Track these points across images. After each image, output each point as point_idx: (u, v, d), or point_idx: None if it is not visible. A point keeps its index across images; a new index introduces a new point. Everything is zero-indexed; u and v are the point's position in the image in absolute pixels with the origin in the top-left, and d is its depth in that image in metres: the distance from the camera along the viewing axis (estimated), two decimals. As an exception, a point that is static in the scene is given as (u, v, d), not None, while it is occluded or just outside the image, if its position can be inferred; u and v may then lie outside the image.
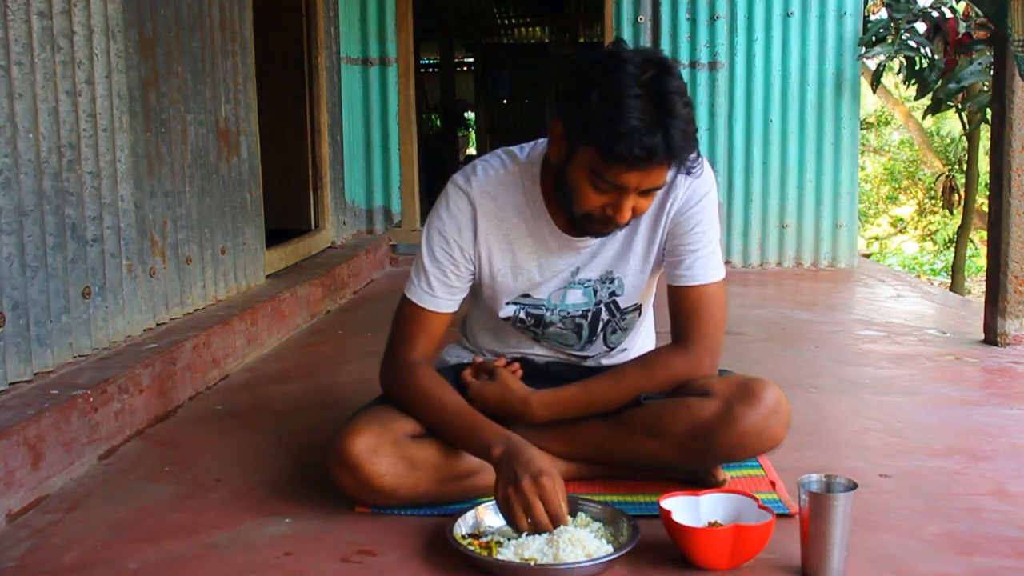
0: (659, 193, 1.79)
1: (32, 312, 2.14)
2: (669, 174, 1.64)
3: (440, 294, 1.82)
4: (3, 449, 1.77)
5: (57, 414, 1.96)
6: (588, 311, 1.88)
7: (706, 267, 1.80)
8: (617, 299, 1.88)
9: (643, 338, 2.05)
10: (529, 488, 1.54)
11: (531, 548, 1.53)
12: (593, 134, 1.57)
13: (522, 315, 1.88)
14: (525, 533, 1.58)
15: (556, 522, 1.54)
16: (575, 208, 1.69)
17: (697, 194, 1.80)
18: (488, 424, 1.69)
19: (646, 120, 1.53)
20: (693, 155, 1.64)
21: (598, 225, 1.70)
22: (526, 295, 1.86)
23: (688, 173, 1.70)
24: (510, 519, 1.57)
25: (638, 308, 1.92)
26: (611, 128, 1.54)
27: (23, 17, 2.11)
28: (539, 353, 1.97)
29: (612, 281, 1.86)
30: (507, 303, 1.87)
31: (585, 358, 1.97)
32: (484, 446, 1.64)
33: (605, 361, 1.97)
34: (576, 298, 1.87)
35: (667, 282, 1.84)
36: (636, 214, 1.69)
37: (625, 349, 1.99)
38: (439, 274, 1.82)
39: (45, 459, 1.90)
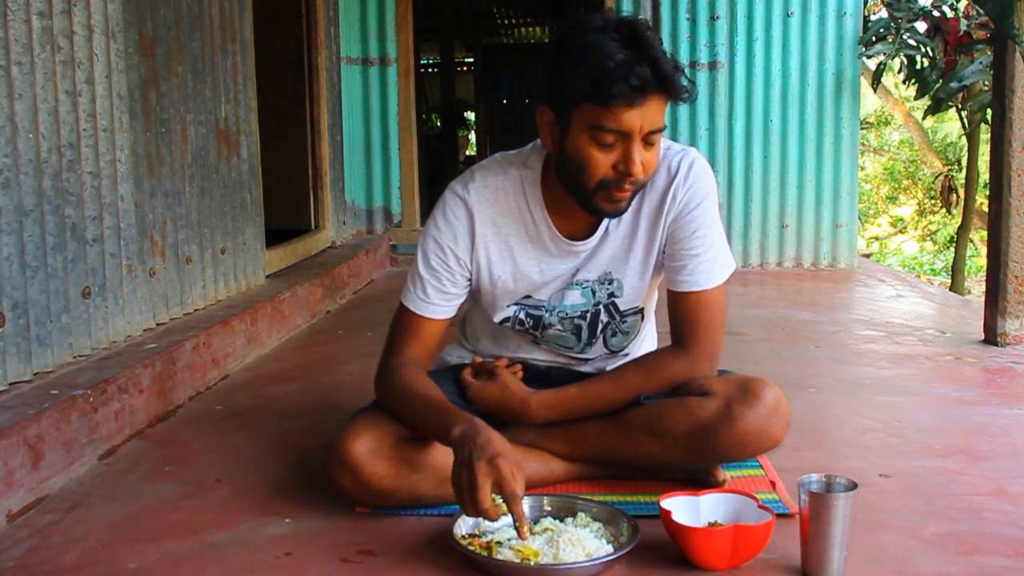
0: (658, 194, 1.79)
1: (32, 312, 2.14)
2: (664, 114, 1.64)
3: (436, 301, 1.82)
4: (3, 449, 1.77)
5: (57, 414, 1.96)
6: (587, 312, 1.88)
7: (708, 272, 1.78)
8: (616, 300, 1.87)
9: (646, 342, 2.04)
10: (483, 471, 1.48)
11: (531, 548, 1.52)
12: (583, 88, 1.59)
13: (522, 316, 1.88)
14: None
15: (508, 501, 1.48)
16: (587, 180, 1.66)
17: (696, 197, 1.78)
18: (452, 409, 1.64)
19: (629, 54, 1.56)
20: (683, 83, 1.63)
21: (614, 189, 1.66)
22: (527, 296, 1.86)
23: (682, 101, 1.67)
24: (459, 500, 1.52)
25: (640, 311, 1.91)
26: (599, 72, 1.56)
27: (23, 17, 2.11)
28: (539, 358, 1.96)
29: (611, 282, 1.85)
30: (507, 305, 1.87)
31: (585, 361, 1.96)
32: (444, 428, 1.58)
33: (607, 366, 1.96)
34: (575, 299, 1.86)
35: (667, 287, 1.83)
36: (647, 169, 1.65)
37: (628, 354, 1.98)
38: (434, 281, 1.81)
39: (45, 459, 1.90)
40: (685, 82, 1.63)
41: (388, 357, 1.83)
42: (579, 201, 1.72)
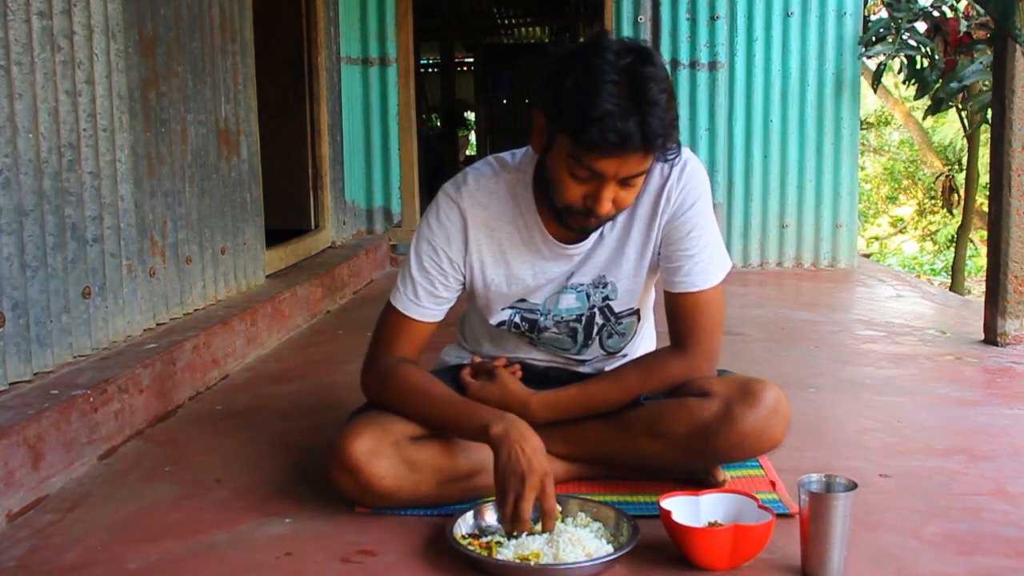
0: (651, 196, 1.78)
1: (32, 312, 2.14)
2: (649, 163, 1.60)
3: (426, 303, 1.81)
4: (3, 449, 1.77)
5: (57, 414, 1.96)
6: (582, 315, 1.87)
7: (704, 272, 1.78)
8: (611, 303, 1.87)
9: (644, 342, 2.04)
10: (533, 486, 1.55)
11: (531, 548, 1.53)
12: (568, 120, 1.55)
13: (517, 319, 1.87)
14: (525, 532, 1.58)
15: (547, 518, 1.56)
16: (556, 200, 1.67)
17: (691, 198, 1.77)
18: (481, 406, 1.69)
19: (621, 105, 1.51)
20: (672, 143, 1.59)
21: (580, 218, 1.67)
22: (522, 300, 1.86)
23: (667, 161, 1.66)
24: (501, 503, 1.57)
25: (635, 312, 1.91)
26: (585, 113, 1.52)
27: (23, 17, 2.11)
28: (537, 358, 1.96)
29: (605, 285, 1.85)
30: (502, 308, 1.87)
31: (582, 362, 1.96)
32: (481, 425, 1.63)
33: (606, 366, 1.96)
34: (569, 303, 1.86)
35: (664, 288, 1.82)
36: (618, 206, 1.65)
37: (626, 354, 1.98)
38: (426, 284, 1.81)
39: (45, 459, 1.90)
40: (674, 139, 1.59)
41: (377, 358, 1.82)
42: (551, 212, 1.73)
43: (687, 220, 1.78)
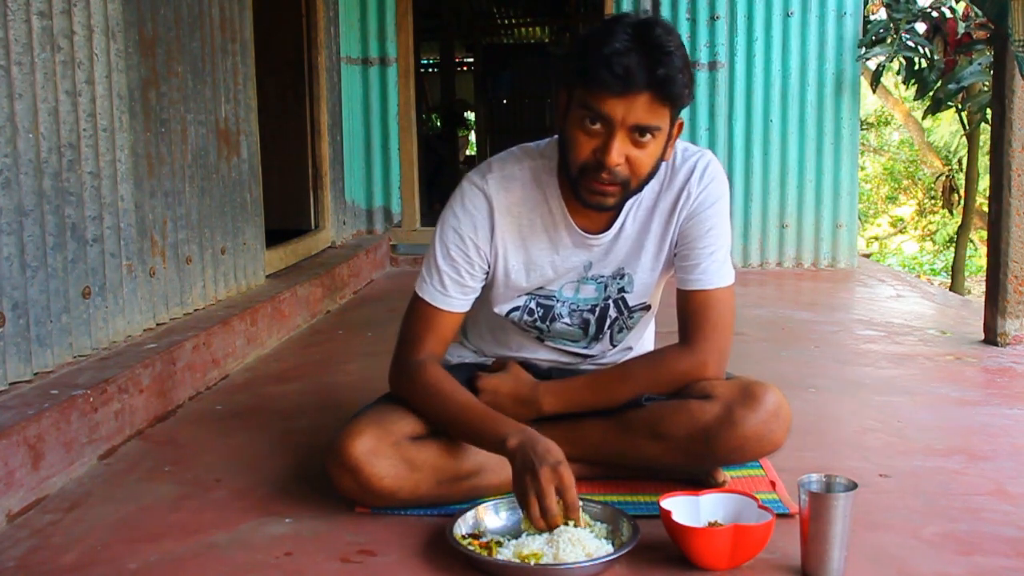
0: (673, 192, 1.80)
1: (32, 312, 2.14)
2: (660, 117, 1.61)
3: (453, 293, 1.81)
4: (3, 449, 1.77)
5: (57, 414, 1.96)
6: (596, 306, 1.88)
7: (719, 272, 1.79)
8: (626, 296, 1.87)
9: (646, 342, 2.05)
10: (547, 477, 1.53)
11: (531, 548, 1.53)
12: (578, 66, 1.61)
13: (532, 305, 1.87)
14: (526, 532, 1.58)
15: (571, 511, 1.54)
16: (571, 165, 1.67)
17: (712, 197, 1.79)
18: (502, 417, 1.68)
19: (628, 45, 1.57)
20: (681, 91, 1.61)
21: (592, 177, 1.65)
22: (540, 287, 1.86)
23: (678, 107, 1.65)
24: (526, 508, 1.55)
25: (647, 308, 1.92)
26: (593, 55, 1.58)
27: (23, 17, 2.11)
28: (541, 357, 1.96)
29: (622, 277, 1.86)
30: (518, 295, 1.87)
31: (588, 357, 1.96)
32: (499, 437, 1.62)
33: (609, 358, 1.97)
34: (588, 292, 1.86)
35: (677, 286, 1.83)
36: (633, 168, 1.64)
37: (630, 347, 1.99)
38: (453, 273, 1.81)
39: (45, 459, 1.90)
40: (683, 87, 1.60)
41: (407, 352, 1.81)
42: (571, 186, 1.72)
43: (707, 218, 1.79)
